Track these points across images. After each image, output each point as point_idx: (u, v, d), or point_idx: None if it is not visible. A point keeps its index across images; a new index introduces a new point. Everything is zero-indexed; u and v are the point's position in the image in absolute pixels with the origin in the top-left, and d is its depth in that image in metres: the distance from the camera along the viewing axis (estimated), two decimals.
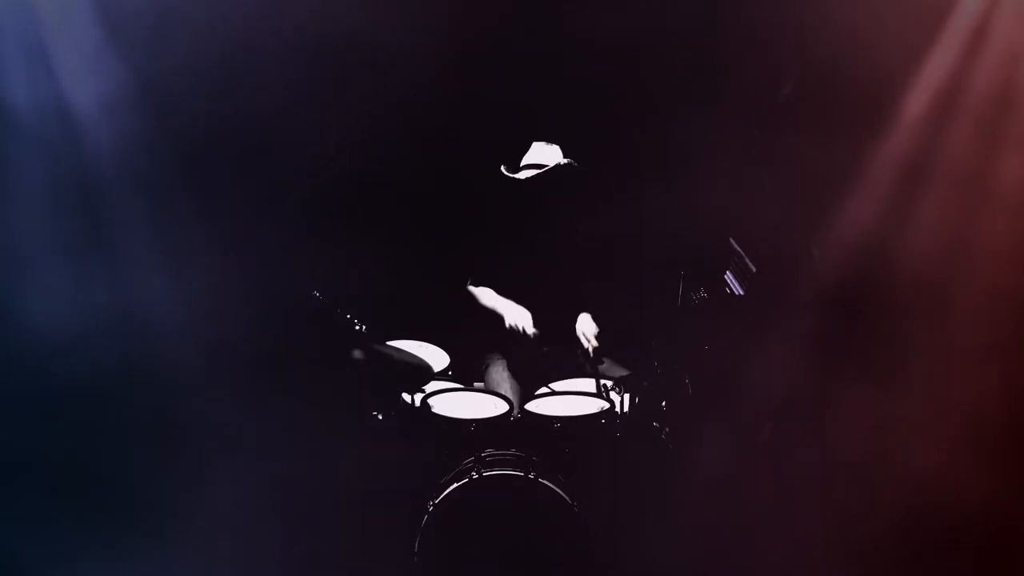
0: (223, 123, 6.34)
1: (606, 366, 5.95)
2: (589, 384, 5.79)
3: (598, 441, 5.54)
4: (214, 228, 6.47)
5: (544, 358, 5.98)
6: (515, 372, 6.01)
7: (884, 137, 6.39)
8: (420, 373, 5.62)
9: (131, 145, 6.33)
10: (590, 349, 5.97)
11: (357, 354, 5.52)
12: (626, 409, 5.55)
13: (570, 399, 5.64)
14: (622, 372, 5.81)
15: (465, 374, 6.05)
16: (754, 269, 5.86)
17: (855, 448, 6.05)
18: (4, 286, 6.07)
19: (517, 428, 5.56)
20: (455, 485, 5.28)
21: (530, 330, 5.97)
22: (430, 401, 5.58)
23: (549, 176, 6.03)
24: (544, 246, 6.12)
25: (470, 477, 5.26)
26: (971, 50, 6.18)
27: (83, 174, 6.27)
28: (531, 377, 5.93)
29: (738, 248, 5.99)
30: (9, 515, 5.77)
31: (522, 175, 6.05)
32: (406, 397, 5.61)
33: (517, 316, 6.01)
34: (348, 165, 6.61)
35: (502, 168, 6.10)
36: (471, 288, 6.21)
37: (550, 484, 5.26)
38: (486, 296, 6.16)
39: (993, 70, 6.15)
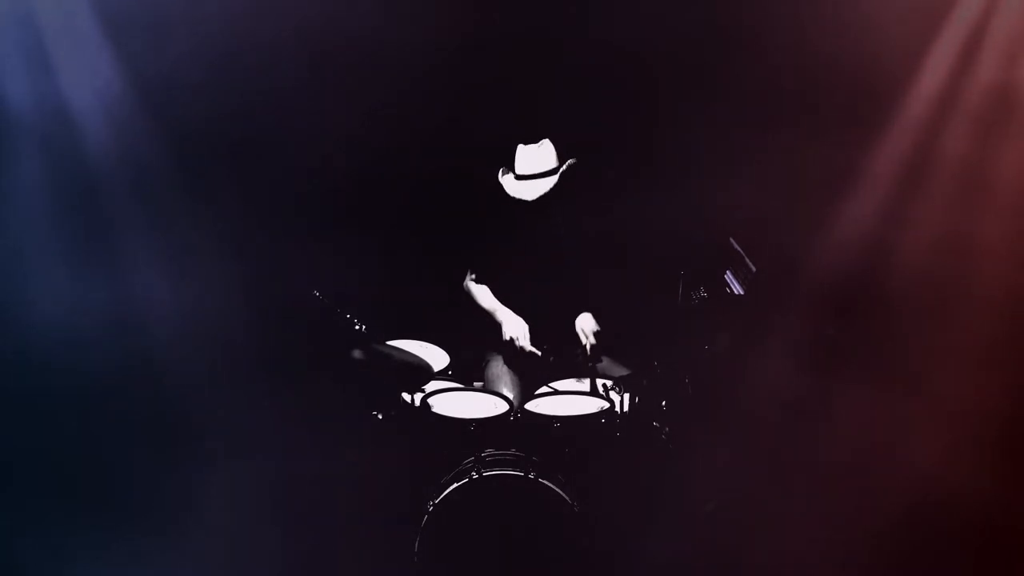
0: (223, 123, 6.34)
1: (606, 365, 5.95)
2: (589, 384, 5.79)
3: (598, 441, 5.54)
4: (213, 228, 6.47)
5: (547, 360, 5.97)
6: (514, 369, 6.01)
7: (884, 137, 6.39)
8: (420, 373, 5.62)
9: (131, 145, 6.33)
10: (588, 346, 5.97)
11: (357, 354, 5.52)
12: (626, 409, 5.55)
13: (570, 399, 5.64)
14: (622, 372, 5.80)
15: (465, 374, 6.05)
16: (754, 269, 5.85)
17: (855, 448, 6.05)
18: (4, 286, 6.08)
19: (517, 428, 5.56)
20: (455, 485, 5.28)
21: (526, 345, 5.95)
22: (430, 401, 5.58)
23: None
24: (544, 245, 6.11)
25: (470, 477, 5.26)
26: (971, 50, 6.19)
27: (83, 174, 6.27)
28: (531, 376, 5.93)
29: (738, 248, 5.98)
30: (9, 515, 5.77)
31: (522, 188, 6.01)
32: (406, 397, 5.61)
33: (514, 328, 5.99)
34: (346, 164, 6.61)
35: (500, 179, 6.08)
36: (470, 286, 6.20)
37: (550, 484, 5.26)
38: (484, 298, 6.15)
39: (993, 70, 6.15)
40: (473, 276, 6.22)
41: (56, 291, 6.14)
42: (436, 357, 5.90)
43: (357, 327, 5.56)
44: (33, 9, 6.06)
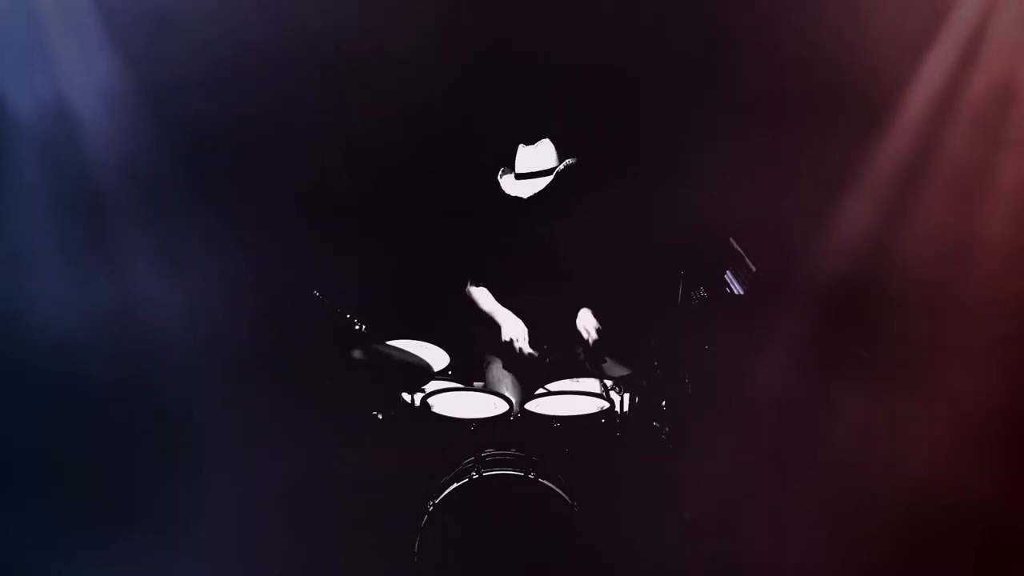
0: (223, 123, 6.34)
1: (607, 365, 5.95)
2: (589, 384, 5.79)
3: (598, 441, 5.54)
4: (214, 228, 6.47)
5: (544, 361, 5.97)
6: (514, 370, 6.01)
7: (884, 137, 6.39)
8: (420, 373, 5.62)
9: (131, 145, 6.33)
10: (590, 342, 5.97)
11: (357, 354, 5.53)
12: (626, 409, 5.55)
13: (570, 399, 5.65)
14: (622, 372, 5.80)
15: (465, 374, 6.05)
16: (754, 269, 5.85)
17: (855, 448, 6.05)
18: (4, 286, 6.08)
19: (517, 428, 5.56)
20: (455, 485, 5.28)
21: (525, 347, 5.95)
22: (430, 401, 5.58)
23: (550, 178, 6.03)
24: (544, 245, 6.11)
25: (470, 477, 5.26)
26: (971, 50, 6.19)
27: (83, 174, 6.27)
28: (531, 377, 5.93)
29: (738, 248, 5.99)
30: (9, 515, 5.77)
31: (519, 187, 6.01)
32: (406, 397, 5.61)
33: (513, 330, 5.99)
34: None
35: (499, 179, 6.08)
36: (471, 289, 6.21)
37: (550, 484, 5.26)
38: (485, 301, 6.15)
39: (993, 70, 6.15)
40: (473, 281, 6.21)
41: (56, 291, 6.14)
42: (436, 357, 5.90)
43: (357, 327, 5.56)
44: (34, 9, 6.07)
